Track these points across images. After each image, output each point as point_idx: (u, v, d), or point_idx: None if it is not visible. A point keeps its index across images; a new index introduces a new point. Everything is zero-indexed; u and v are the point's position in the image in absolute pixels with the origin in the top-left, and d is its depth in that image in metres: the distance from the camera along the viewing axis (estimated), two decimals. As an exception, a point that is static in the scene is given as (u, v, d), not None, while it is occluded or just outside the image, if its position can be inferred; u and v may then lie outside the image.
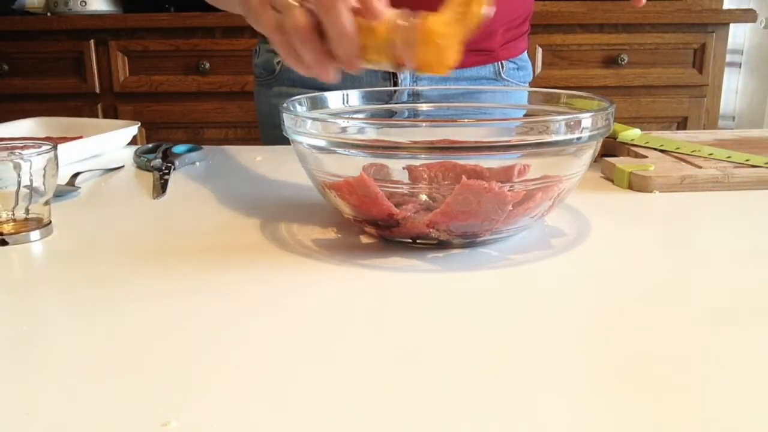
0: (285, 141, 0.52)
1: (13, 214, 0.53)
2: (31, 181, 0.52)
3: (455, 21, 0.45)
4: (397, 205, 0.48)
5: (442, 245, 0.50)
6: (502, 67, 0.92)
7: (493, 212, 0.46)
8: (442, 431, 0.28)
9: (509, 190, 0.46)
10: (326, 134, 0.48)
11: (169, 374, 0.33)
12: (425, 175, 0.55)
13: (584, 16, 1.88)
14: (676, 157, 0.72)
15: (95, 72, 1.95)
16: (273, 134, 0.96)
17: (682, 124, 1.98)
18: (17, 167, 0.51)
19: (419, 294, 0.43)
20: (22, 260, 0.50)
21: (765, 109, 2.13)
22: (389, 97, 0.72)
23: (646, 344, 0.36)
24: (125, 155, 0.83)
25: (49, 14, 2.01)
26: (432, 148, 0.48)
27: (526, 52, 0.98)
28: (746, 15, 1.90)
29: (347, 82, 0.89)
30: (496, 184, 0.44)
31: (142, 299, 0.42)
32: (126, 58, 1.94)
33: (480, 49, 0.89)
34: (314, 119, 0.49)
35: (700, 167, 0.67)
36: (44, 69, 1.95)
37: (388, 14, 0.46)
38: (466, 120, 0.51)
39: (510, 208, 0.46)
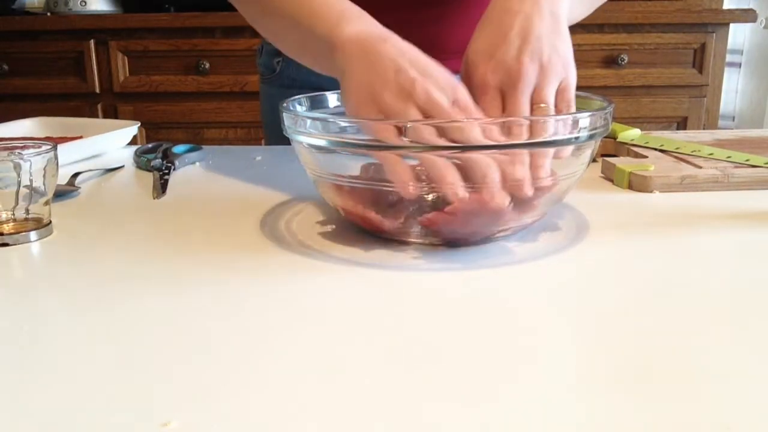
0: (287, 140, 0.52)
1: (13, 214, 0.53)
2: (31, 181, 0.52)
3: None
4: (396, 205, 0.48)
5: (441, 245, 0.50)
6: None
7: (492, 223, 0.47)
8: (441, 430, 0.29)
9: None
10: (326, 134, 0.48)
11: (169, 374, 0.33)
12: (425, 176, 0.55)
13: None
14: (676, 157, 0.72)
15: (95, 72, 1.95)
16: (275, 132, 0.96)
17: (682, 124, 1.98)
18: (17, 167, 0.51)
19: (419, 293, 0.43)
20: (22, 260, 0.50)
21: (765, 109, 2.13)
22: None
23: (645, 343, 0.36)
24: (125, 155, 0.83)
25: (48, 14, 2.01)
26: (432, 147, 0.48)
27: None
28: (746, 15, 1.90)
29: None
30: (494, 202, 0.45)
31: (142, 299, 0.42)
32: (126, 58, 1.94)
33: None
34: (314, 119, 0.49)
35: (700, 167, 0.67)
36: (44, 69, 1.95)
37: None
38: (466, 120, 0.50)
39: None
